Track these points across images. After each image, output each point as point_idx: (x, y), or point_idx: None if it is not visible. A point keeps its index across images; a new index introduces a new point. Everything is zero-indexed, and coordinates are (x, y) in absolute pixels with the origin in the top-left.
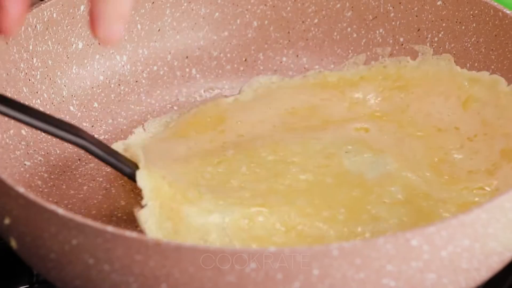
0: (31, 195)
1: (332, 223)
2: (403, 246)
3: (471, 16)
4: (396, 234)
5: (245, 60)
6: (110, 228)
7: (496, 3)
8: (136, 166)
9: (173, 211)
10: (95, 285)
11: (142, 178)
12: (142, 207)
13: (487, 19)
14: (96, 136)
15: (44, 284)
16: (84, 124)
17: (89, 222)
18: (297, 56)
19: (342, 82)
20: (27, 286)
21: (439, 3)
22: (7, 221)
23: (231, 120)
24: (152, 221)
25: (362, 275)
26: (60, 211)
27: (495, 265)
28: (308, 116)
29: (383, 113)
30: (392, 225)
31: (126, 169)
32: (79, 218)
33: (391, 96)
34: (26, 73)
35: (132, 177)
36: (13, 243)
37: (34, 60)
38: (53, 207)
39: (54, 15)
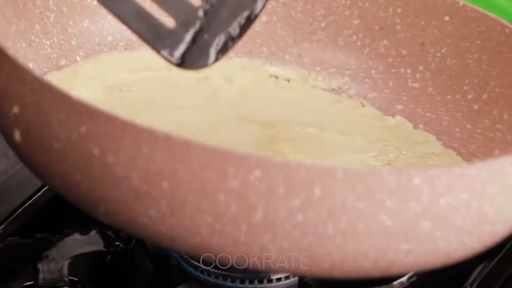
0: (46, 80)
1: None
2: (405, 182)
3: (477, 33)
4: (401, 168)
5: (250, 51)
6: (121, 117)
7: (504, 20)
8: None
9: None
10: (96, 179)
11: None
12: None
13: (493, 35)
14: None
15: (48, 281)
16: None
17: (101, 108)
18: (300, 56)
19: None
20: (32, 283)
21: (446, 18)
22: (15, 109)
23: None
24: None
25: (361, 205)
26: (74, 96)
27: (485, 235)
28: None
29: None
30: None
31: None
32: (91, 105)
33: None
34: (41, 12)
35: None
36: (18, 136)
37: (50, 2)
38: (66, 92)
39: None
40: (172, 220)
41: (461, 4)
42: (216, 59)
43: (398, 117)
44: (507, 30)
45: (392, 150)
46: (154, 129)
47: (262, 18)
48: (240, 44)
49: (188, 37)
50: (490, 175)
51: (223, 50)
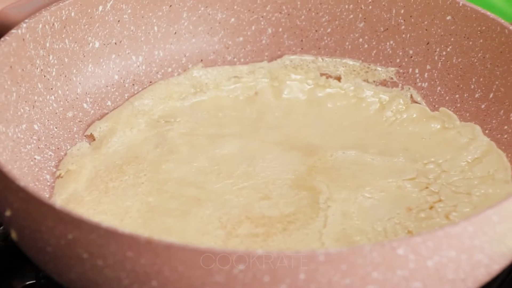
0: (30, 189)
1: None
2: (389, 254)
3: (479, 32)
4: (383, 242)
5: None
6: (104, 225)
7: (503, 20)
8: None
9: None
10: (89, 279)
11: None
12: None
13: (494, 35)
14: None
15: (50, 280)
16: (97, 121)
17: (84, 217)
18: None
19: None
20: (34, 281)
21: (448, 17)
22: (8, 213)
23: None
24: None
25: (347, 281)
26: (57, 205)
27: (481, 277)
28: None
29: None
30: None
31: None
32: (74, 213)
33: None
34: (41, 70)
35: None
36: (14, 235)
37: (51, 57)
38: (50, 201)
39: (72, 14)
40: None
41: (461, 4)
42: None
43: (441, 108)
44: (506, 31)
45: (433, 169)
46: (134, 235)
47: (268, 30)
48: (248, 58)
49: None
50: (476, 229)
51: None
